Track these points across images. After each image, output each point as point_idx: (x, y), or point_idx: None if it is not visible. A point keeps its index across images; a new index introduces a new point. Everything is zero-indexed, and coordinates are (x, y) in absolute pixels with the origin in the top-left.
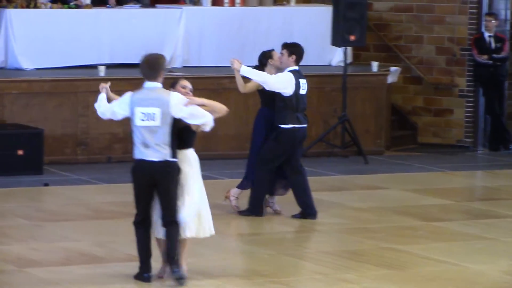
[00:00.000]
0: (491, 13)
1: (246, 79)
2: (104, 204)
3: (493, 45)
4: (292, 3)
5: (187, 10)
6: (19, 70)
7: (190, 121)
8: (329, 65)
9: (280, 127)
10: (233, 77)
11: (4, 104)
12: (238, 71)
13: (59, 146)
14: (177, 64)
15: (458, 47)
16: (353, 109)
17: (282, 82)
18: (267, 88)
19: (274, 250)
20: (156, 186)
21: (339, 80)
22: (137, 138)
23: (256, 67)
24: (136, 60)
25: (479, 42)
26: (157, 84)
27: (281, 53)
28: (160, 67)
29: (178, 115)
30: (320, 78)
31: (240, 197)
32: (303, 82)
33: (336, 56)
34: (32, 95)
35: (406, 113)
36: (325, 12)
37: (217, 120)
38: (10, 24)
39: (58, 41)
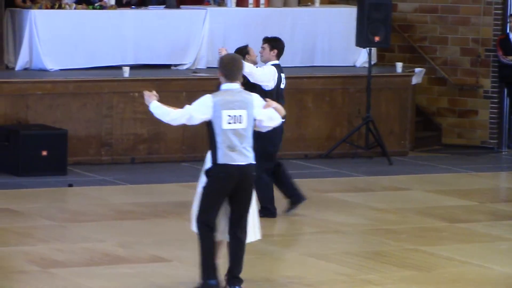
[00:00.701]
0: None
1: None
2: (128, 205)
3: None
4: (317, 3)
5: (212, 10)
6: (44, 71)
7: (265, 123)
8: (354, 66)
9: None
10: None
11: (28, 105)
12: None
13: (83, 146)
14: (202, 65)
15: (482, 48)
16: (377, 110)
17: (267, 75)
18: (252, 80)
19: (298, 251)
20: (236, 191)
21: (363, 81)
22: (222, 142)
23: None
24: (160, 61)
25: (504, 43)
26: (239, 85)
27: (263, 47)
28: (242, 67)
29: (258, 117)
30: (344, 79)
31: None
32: (283, 76)
33: (361, 57)
34: (56, 96)
35: (430, 114)
36: (350, 13)
37: None
38: (34, 25)
39: (83, 42)
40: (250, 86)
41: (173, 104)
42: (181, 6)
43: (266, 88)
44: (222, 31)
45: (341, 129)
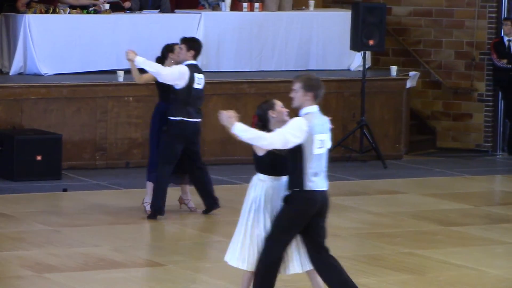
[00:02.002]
0: (508, 18)
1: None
2: (123, 209)
3: None
4: (311, 8)
5: (206, 15)
6: (38, 75)
7: None
8: (348, 70)
9: (169, 119)
10: (253, 82)
11: (23, 110)
12: (133, 61)
13: (77, 151)
14: None
15: (477, 51)
16: (372, 114)
17: (174, 74)
18: (159, 79)
19: None
20: (316, 217)
21: (358, 85)
22: (309, 168)
23: (158, 59)
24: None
25: (498, 46)
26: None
27: (180, 48)
28: None
29: None
30: (338, 83)
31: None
32: (199, 76)
33: (355, 61)
34: (50, 101)
35: (425, 117)
36: (344, 17)
37: None
38: (29, 30)
39: (77, 46)
40: (164, 86)
41: None
42: (176, 10)
43: (176, 87)
44: (217, 35)
45: (336, 133)
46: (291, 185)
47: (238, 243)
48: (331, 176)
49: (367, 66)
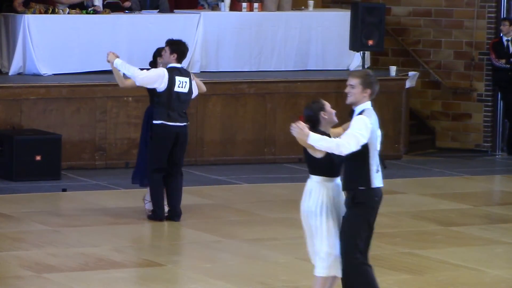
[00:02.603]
0: (506, 18)
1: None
2: (122, 210)
3: (511, 49)
4: (311, 8)
5: (205, 15)
6: (37, 75)
7: None
8: (347, 70)
9: (153, 122)
10: (252, 82)
11: (22, 110)
12: (112, 63)
13: (77, 151)
14: (195, 69)
15: (476, 51)
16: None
17: (150, 77)
18: (137, 83)
19: (292, 255)
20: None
21: None
22: (372, 165)
23: (150, 63)
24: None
25: (497, 47)
26: None
27: (164, 50)
28: None
29: None
30: (338, 83)
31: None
32: (182, 80)
33: (354, 61)
34: (50, 101)
35: (424, 117)
36: (343, 17)
37: (234, 125)
38: (28, 30)
39: (76, 46)
40: (150, 88)
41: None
42: (175, 11)
43: (158, 90)
44: (216, 35)
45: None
46: (353, 184)
47: (322, 253)
48: None
49: (366, 66)
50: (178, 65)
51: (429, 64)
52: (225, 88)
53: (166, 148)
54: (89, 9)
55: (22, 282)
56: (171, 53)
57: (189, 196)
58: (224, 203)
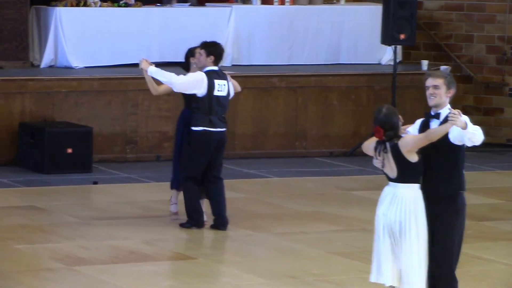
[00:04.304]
0: None
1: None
2: (153, 203)
3: None
4: (342, 1)
5: (237, 8)
6: (69, 68)
7: None
8: (379, 64)
9: (192, 129)
10: (284, 76)
11: (54, 103)
12: (146, 71)
13: (108, 144)
14: (227, 62)
15: (508, 45)
16: (402, 108)
17: (189, 83)
18: (174, 90)
19: (323, 249)
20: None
21: (388, 79)
22: (463, 167)
23: (182, 64)
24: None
25: None
26: None
27: (199, 53)
28: None
29: None
30: (369, 77)
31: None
32: (221, 83)
33: (386, 55)
34: (81, 94)
35: None
36: (375, 11)
37: (265, 119)
38: (60, 23)
39: (108, 39)
40: (187, 93)
41: None
42: (206, 4)
43: (198, 95)
44: (247, 29)
45: (366, 127)
46: (448, 188)
47: (419, 267)
48: (362, 171)
49: (398, 60)
50: (216, 68)
51: (461, 58)
52: (256, 81)
53: (207, 156)
54: (121, 1)
55: (53, 274)
56: (208, 55)
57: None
58: (255, 197)
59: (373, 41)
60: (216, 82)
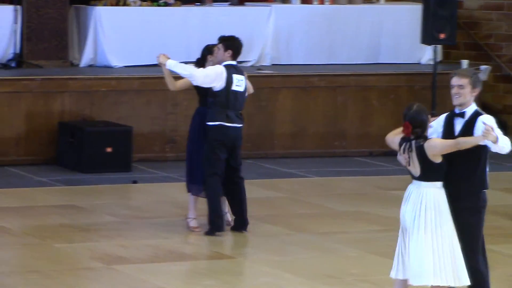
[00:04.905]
0: None
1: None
2: None
3: None
4: (382, 1)
5: (276, 8)
6: (108, 67)
7: None
8: (419, 63)
9: (208, 124)
10: (323, 75)
11: (93, 102)
12: (164, 65)
13: (147, 143)
14: (266, 62)
15: None
16: (443, 108)
17: (209, 76)
18: (194, 83)
19: (362, 249)
20: None
21: (428, 79)
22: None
23: (198, 60)
24: None
25: None
26: None
27: (218, 47)
28: None
29: None
30: (409, 76)
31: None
32: (239, 78)
33: (426, 54)
34: (121, 93)
35: (496, 111)
36: (415, 10)
37: (305, 118)
38: (99, 22)
39: (147, 38)
40: (203, 90)
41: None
42: (246, 3)
43: (214, 89)
44: (287, 28)
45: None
46: (471, 187)
47: (462, 260)
48: (402, 170)
49: (438, 60)
50: (234, 63)
51: (501, 58)
52: (295, 81)
53: (224, 151)
54: (160, 1)
55: (92, 273)
56: (226, 49)
57: (259, 189)
58: (294, 196)
59: (413, 40)
60: (235, 76)
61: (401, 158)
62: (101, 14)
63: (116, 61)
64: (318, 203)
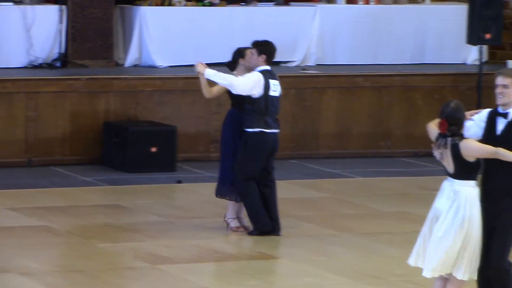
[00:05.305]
0: None
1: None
2: None
3: None
4: (427, 1)
5: (321, 8)
6: (153, 67)
7: None
8: (464, 64)
9: (247, 131)
10: (368, 75)
11: (138, 102)
12: (202, 74)
13: (192, 143)
14: (311, 62)
15: None
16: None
17: (249, 84)
18: (233, 92)
19: (407, 249)
20: None
21: (474, 79)
22: None
23: (228, 64)
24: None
25: None
26: None
27: (251, 52)
28: None
29: None
30: (455, 77)
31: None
32: (274, 83)
33: (471, 55)
34: (165, 93)
35: None
36: (460, 10)
37: (349, 118)
38: (144, 22)
39: (192, 38)
40: (237, 94)
41: (281, 100)
42: (291, 3)
43: (253, 96)
44: (332, 28)
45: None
46: (509, 186)
47: (476, 257)
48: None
49: (483, 60)
50: (268, 67)
51: None
52: (340, 81)
53: (263, 158)
54: (205, 1)
55: (136, 273)
56: (260, 54)
57: (304, 189)
58: (339, 197)
59: (458, 40)
60: (271, 82)
61: (436, 153)
62: (146, 14)
63: (161, 61)
64: (362, 204)
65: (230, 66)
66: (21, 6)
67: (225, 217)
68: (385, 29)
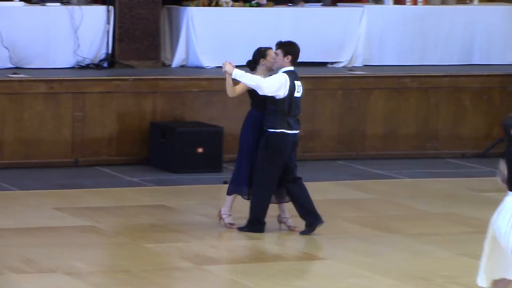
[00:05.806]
0: None
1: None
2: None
3: None
4: (475, 1)
5: (369, 8)
6: (200, 68)
7: None
8: None
9: (269, 131)
10: (415, 76)
11: (184, 102)
12: (230, 74)
13: (238, 144)
14: (358, 62)
15: None
16: None
17: (275, 85)
18: (260, 93)
19: (454, 251)
20: None
21: None
22: None
23: (249, 63)
24: (317, 58)
25: None
26: None
27: (276, 53)
28: None
29: None
30: (502, 78)
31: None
32: (298, 84)
33: None
34: (212, 93)
35: None
36: (509, 11)
37: (396, 119)
38: (191, 23)
39: (239, 39)
40: (258, 94)
41: (328, 101)
42: (338, 4)
43: (277, 97)
44: (379, 29)
45: (499, 128)
46: None
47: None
48: (494, 172)
49: None
50: (292, 68)
51: None
52: (388, 82)
53: (284, 158)
54: (253, 1)
55: (182, 273)
56: (285, 55)
57: (350, 190)
58: (386, 198)
59: (507, 41)
60: (296, 83)
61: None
62: (193, 15)
63: (208, 62)
64: (409, 205)
65: (251, 66)
66: (69, 7)
67: (220, 212)
68: (432, 29)
